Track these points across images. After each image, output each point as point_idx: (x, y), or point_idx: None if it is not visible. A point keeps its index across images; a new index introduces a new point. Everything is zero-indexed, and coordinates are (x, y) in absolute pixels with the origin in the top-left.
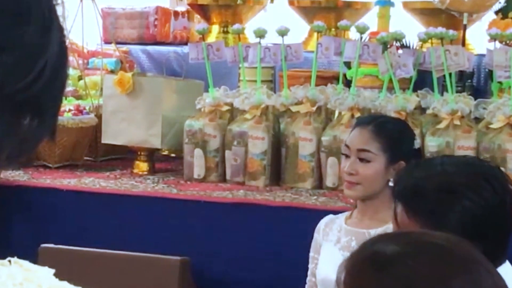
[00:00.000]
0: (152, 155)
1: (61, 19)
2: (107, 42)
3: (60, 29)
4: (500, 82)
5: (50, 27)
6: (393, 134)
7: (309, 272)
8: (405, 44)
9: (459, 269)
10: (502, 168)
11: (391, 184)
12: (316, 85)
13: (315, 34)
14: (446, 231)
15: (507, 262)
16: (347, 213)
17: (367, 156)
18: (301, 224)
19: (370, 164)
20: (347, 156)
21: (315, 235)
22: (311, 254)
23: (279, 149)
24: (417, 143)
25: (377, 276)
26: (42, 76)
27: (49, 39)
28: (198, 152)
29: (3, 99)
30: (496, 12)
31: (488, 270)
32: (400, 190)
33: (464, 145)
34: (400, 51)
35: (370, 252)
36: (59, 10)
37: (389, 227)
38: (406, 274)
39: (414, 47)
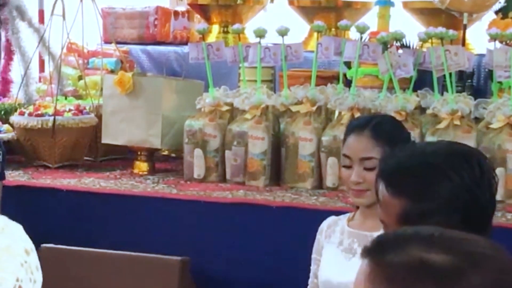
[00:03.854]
0: (152, 155)
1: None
2: (107, 42)
3: None
4: (500, 82)
5: None
6: (390, 134)
7: (311, 273)
8: (405, 44)
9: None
10: (502, 168)
11: None
12: (316, 85)
13: (315, 34)
14: (427, 209)
15: None
16: (349, 215)
17: (372, 164)
18: (301, 224)
19: (376, 170)
20: (348, 167)
21: (318, 236)
22: (313, 255)
23: (279, 149)
24: (412, 137)
25: None
26: None
27: None
28: (198, 152)
29: None
30: (496, 12)
31: None
32: (383, 169)
33: None
34: (400, 51)
35: (417, 261)
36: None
37: None
38: None
39: (414, 47)
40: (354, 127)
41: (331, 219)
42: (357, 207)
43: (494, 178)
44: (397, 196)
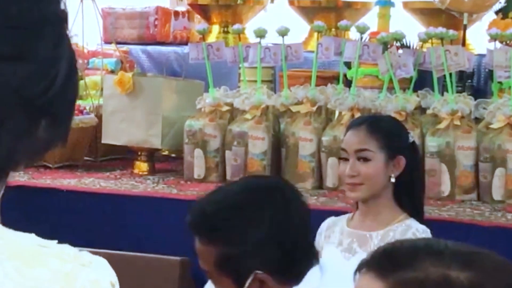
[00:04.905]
0: (152, 155)
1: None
2: (107, 42)
3: (70, 46)
4: (500, 82)
5: (61, 43)
6: (387, 130)
7: None
8: (405, 44)
9: None
10: (502, 168)
11: (393, 180)
12: (316, 85)
13: (315, 34)
14: (243, 251)
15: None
16: (349, 215)
17: (366, 155)
18: None
19: (370, 163)
20: (345, 159)
21: (317, 237)
22: None
23: (279, 149)
24: (411, 137)
25: None
26: (55, 84)
27: (60, 53)
28: (198, 152)
29: (20, 105)
30: (496, 12)
31: None
32: (190, 221)
33: (464, 145)
34: (400, 51)
35: (442, 278)
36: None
37: (390, 229)
38: None
39: (414, 47)
40: (353, 123)
41: (330, 219)
42: (357, 207)
43: (302, 202)
44: (208, 245)
